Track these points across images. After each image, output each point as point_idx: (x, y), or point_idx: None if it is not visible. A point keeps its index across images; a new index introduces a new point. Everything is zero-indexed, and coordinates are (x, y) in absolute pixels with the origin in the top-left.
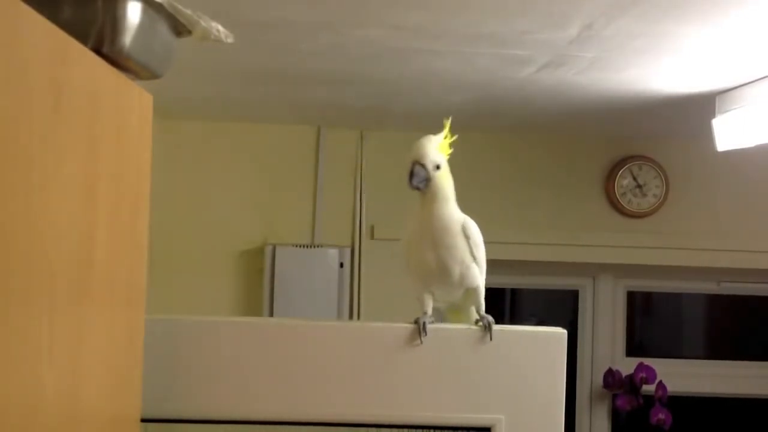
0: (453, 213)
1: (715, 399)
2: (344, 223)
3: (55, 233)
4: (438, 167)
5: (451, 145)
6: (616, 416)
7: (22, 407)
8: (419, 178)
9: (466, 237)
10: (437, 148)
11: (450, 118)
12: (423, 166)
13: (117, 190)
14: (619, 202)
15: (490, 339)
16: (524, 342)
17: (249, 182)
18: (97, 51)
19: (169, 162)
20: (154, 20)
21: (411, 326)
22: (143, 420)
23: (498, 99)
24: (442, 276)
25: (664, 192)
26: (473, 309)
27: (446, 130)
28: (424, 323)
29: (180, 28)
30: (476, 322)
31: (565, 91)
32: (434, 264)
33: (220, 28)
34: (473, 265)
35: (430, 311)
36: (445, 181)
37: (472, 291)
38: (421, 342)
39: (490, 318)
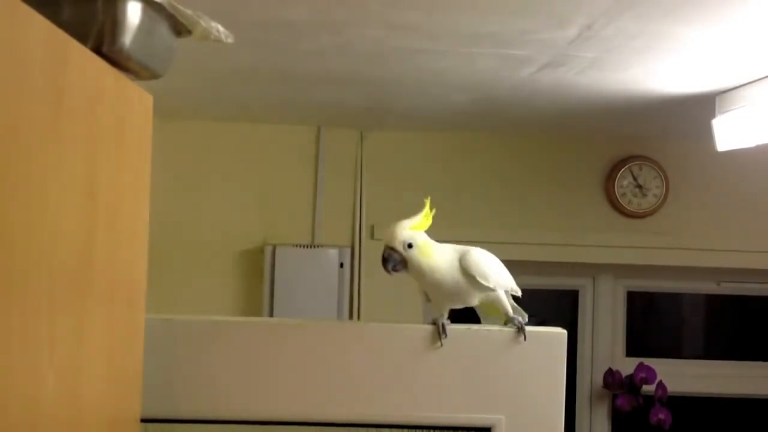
0: (445, 272)
1: (715, 399)
2: (344, 223)
3: (55, 233)
4: (410, 245)
5: (432, 216)
6: (616, 416)
7: (23, 407)
8: (393, 262)
9: (470, 276)
10: (410, 227)
11: (429, 198)
12: (393, 249)
13: (117, 190)
14: (619, 202)
15: (524, 339)
16: (524, 342)
17: (249, 182)
18: (97, 51)
19: (169, 162)
20: (154, 20)
21: (428, 327)
22: (143, 420)
23: (498, 99)
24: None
25: (664, 192)
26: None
27: (426, 209)
28: (443, 324)
29: (180, 28)
30: (505, 323)
31: (565, 91)
32: (449, 303)
33: (220, 28)
34: (486, 290)
35: (446, 313)
36: (423, 256)
37: (492, 297)
38: (441, 344)
39: (520, 318)
